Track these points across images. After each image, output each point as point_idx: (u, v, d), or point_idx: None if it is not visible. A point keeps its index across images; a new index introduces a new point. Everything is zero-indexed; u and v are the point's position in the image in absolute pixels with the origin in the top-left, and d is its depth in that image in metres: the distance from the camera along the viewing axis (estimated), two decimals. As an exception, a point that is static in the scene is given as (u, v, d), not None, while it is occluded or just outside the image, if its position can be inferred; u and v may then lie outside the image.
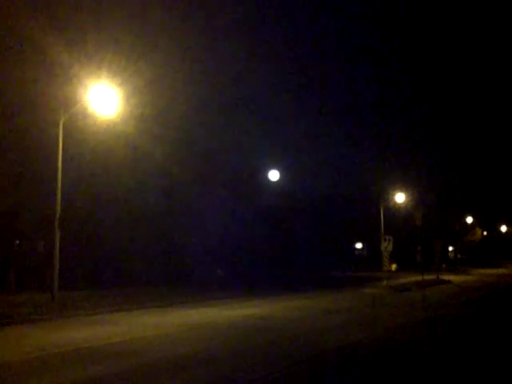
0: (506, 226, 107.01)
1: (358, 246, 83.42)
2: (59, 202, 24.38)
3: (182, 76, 40.51)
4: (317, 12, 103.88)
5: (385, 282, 41.02)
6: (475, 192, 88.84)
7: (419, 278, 34.51)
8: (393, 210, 56.13)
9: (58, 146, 24.52)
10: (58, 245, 24.33)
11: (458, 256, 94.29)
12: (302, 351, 13.65)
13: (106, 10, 32.10)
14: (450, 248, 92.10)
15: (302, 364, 12.18)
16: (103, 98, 24.09)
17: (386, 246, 42.49)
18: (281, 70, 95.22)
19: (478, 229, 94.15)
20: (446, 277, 51.53)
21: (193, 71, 44.64)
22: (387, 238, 43.01)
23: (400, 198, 52.02)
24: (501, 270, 76.82)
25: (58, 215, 24.33)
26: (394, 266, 62.63)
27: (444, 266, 67.70)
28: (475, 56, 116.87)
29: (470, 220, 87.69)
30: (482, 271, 74.30)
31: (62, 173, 24.58)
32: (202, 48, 54.17)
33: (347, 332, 17.13)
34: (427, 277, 37.53)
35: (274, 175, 49.54)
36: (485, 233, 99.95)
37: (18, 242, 35.67)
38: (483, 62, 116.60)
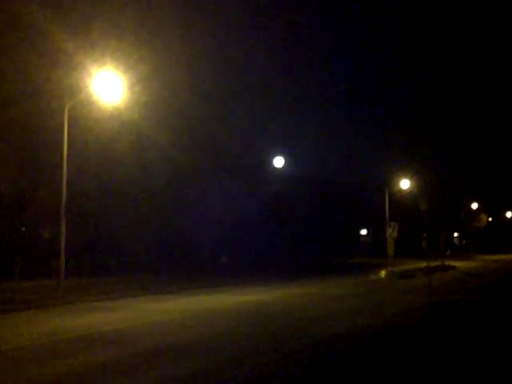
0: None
1: (363, 232, 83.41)
2: (65, 190, 24.44)
3: (187, 63, 40.51)
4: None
5: (389, 269, 41.07)
6: (480, 178, 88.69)
7: (424, 264, 34.41)
8: (398, 197, 56.06)
9: (63, 134, 24.53)
10: (63, 232, 24.41)
11: (463, 242, 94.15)
12: (302, 339, 13.49)
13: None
14: (455, 234, 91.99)
15: (300, 352, 11.97)
16: (108, 86, 24.04)
17: (391, 232, 42.49)
18: (286, 56, 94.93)
19: (483, 215, 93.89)
20: (451, 263, 51.48)
21: (197, 58, 44.65)
22: (392, 224, 42.99)
23: (405, 184, 51.94)
24: (506, 256, 76.71)
25: (63, 202, 24.40)
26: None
27: (449, 252, 67.68)
28: (480, 41, 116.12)
29: (475, 206, 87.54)
30: (488, 257, 74.24)
31: (67, 160, 24.61)
32: (206, 35, 54.11)
33: (351, 318, 17.13)
34: (432, 263, 37.46)
35: (279, 162, 49.56)
36: (490, 219, 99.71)
37: (23, 229, 35.84)
38: (488, 47, 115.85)
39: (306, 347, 12.47)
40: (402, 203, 59.85)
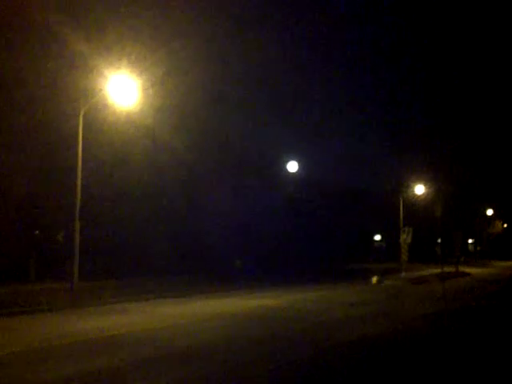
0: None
1: (377, 237, 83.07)
2: (79, 193, 24.49)
3: (202, 66, 40.50)
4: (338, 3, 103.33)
5: (403, 274, 40.83)
6: (496, 184, 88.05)
7: (438, 270, 34.22)
8: (412, 202, 55.82)
9: (78, 137, 24.59)
10: (77, 235, 24.45)
11: (478, 248, 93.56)
12: (313, 344, 13.38)
13: (125, 0, 32.12)
14: (470, 240, 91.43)
15: (308, 359, 11.81)
16: (123, 89, 24.11)
17: (405, 237, 42.27)
18: (300, 59, 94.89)
19: (498, 221, 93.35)
20: (466, 269, 51.12)
21: (212, 61, 44.65)
22: (406, 229, 42.78)
23: (419, 189, 51.71)
24: (521, 263, 76.09)
25: (77, 206, 24.45)
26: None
27: (463, 258, 67.21)
28: (501, 44, 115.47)
29: (490, 212, 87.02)
30: (503, 264, 73.65)
31: (81, 163, 24.67)
32: (221, 38, 54.17)
33: (366, 324, 17.01)
34: (446, 269, 37.22)
35: (292, 166, 49.52)
36: (505, 225, 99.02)
37: (37, 232, 35.94)
38: (507, 50, 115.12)
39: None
40: (416, 208, 59.57)
